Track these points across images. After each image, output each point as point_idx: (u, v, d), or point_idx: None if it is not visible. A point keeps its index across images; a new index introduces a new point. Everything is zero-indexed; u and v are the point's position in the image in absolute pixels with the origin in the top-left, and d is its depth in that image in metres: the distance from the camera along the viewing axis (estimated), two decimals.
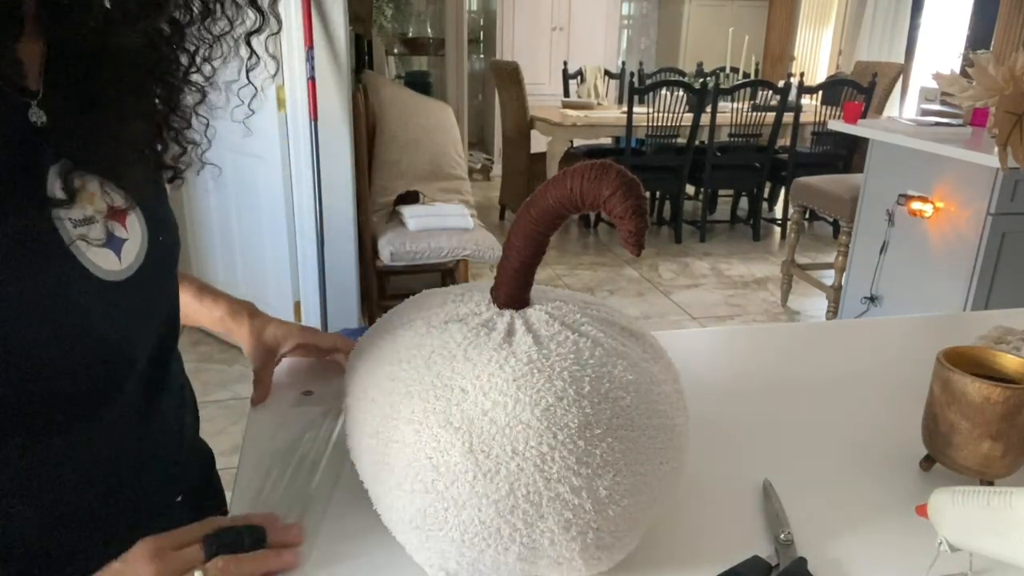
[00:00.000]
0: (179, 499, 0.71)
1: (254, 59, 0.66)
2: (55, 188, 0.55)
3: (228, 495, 0.71)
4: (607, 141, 5.26)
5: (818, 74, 6.61)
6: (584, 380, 0.52)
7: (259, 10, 0.62)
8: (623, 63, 6.25)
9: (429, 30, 6.61)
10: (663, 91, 4.43)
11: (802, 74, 5.02)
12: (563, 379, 0.51)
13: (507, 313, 0.57)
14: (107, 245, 0.58)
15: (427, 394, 0.52)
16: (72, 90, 0.59)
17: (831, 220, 4.78)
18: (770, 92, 4.64)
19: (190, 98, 0.66)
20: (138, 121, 0.64)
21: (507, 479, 0.49)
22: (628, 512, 0.52)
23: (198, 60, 0.64)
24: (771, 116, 4.60)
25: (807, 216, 5.02)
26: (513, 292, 0.59)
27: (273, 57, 0.68)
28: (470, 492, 0.49)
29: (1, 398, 0.52)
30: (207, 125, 0.70)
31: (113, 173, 0.61)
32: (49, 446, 0.57)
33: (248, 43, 0.64)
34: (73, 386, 0.57)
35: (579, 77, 5.53)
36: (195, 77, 0.65)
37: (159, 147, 0.67)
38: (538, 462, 0.49)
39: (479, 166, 6.51)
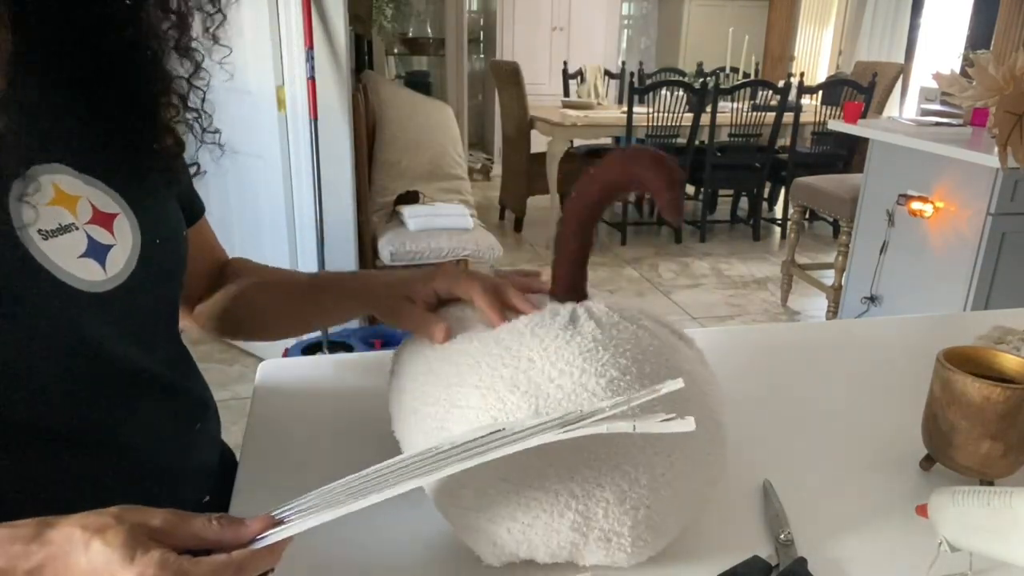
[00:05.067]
0: (206, 499, 0.69)
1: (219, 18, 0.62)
2: (16, 199, 0.50)
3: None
4: (607, 141, 5.26)
5: (818, 74, 6.60)
6: (645, 363, 0.54)
7: None
8: (623, 63, 6.25)
9: (429, 30, 6.60)
10: (663, 91, 4.42)
11: (802, 74, 5.02)
12: (626, 358, 0.54)
13: (568, 304, 0.60)
14: (88, 255, 0.54)
15: (495, 362, 0.54)
16: (45, 86, 0.54)
17: (831, 220, 4.78)
18: (770, 92, 4.63)
19: (181, 70, 0.62)
20: (130, 114, 0.59)
21: (570, 441, 0.49)
22: (678, 495, 0.54)
23: (182, 25, 0.59)
24: (771, 116, 4.59)
25: (807, 216, 5.01)
26: (571, 285, 0.62)
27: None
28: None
29: (6, 420, 0.51)
30: (203, 98, 0.65)
31: (100, 174, 0.57)
32: (63, 464, 0.55)
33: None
34: (79, 405, 0.55)
35: (579, 77, 5.52)
36: (182, 43, 0.60)
37: (160, 139, 0.61)
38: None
39: (479, 166, 6.51)
